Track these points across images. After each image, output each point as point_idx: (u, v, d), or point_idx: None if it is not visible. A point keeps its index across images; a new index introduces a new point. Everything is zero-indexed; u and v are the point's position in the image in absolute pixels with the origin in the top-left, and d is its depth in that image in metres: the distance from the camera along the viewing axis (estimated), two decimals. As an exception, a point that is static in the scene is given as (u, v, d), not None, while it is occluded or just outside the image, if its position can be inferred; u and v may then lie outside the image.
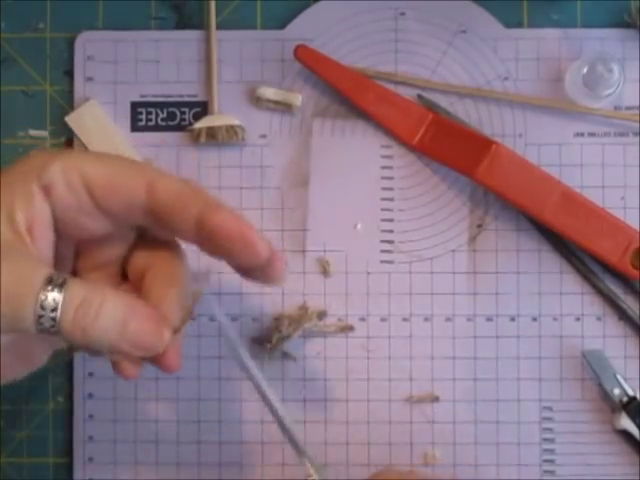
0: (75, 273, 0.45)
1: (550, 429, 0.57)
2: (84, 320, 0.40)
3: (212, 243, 0.42)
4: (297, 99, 0.58)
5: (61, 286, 0.39)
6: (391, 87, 0.58)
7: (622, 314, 0.57)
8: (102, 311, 0.40)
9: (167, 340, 0.42)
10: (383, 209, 0.58)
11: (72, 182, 0.42)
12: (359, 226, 0.58)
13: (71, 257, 0.45)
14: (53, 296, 0.39)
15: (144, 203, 0.42)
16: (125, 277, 0.46)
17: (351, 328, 0.58)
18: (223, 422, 0.57)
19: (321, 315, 0.58)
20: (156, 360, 0.43)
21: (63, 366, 0.58)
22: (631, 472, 0.57)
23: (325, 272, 0.58)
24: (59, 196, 0.42)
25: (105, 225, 0.43)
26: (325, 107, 0.59)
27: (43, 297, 0.39)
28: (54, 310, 0.39)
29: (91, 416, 0.58)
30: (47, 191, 0.42)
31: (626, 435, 0.56)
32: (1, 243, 0.40)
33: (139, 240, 0.46)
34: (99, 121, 0.58)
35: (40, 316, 0.39)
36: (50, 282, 0.39)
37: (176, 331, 0.43)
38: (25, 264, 0.40)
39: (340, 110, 0.59)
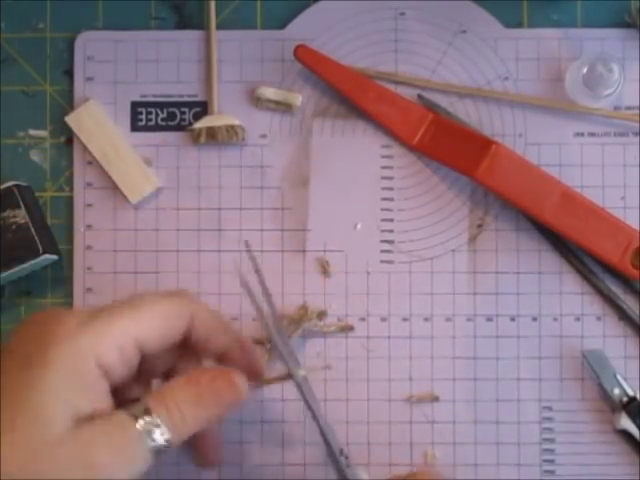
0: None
1: (550, 429, 0.57)
2: (183, 426, 0.43)
3: (226, 362, 0.48)
4: (297, 99, 0.58)
5: (148, 414, 0.42)
6: (391, 87, 0.58)
7: (622, 314, 0.57)
8: (185, 414, 0.43)
9: (244, 385, 0.46)
10: (383, 209, 0.58)
11: (127, 353, 0.43)
12: (359, 226, 0.58)
13: None
14: (153, 427, 0.42)
15: (186, 335, 0.46)
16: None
17: (351, 328, 0.58)
18: (223, 422, 0.57)
19: (321, 315, 0.58)
20: (200, 453, 0.51)
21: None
22: (631, 472, 0.57)
23: (325, 272, 0.58)
24: (117, 372, 0.43)
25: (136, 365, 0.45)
26: (325, 107, 0.59)
27: (147, 433, 0.42)
28: (163, 434, 0.42)
29: (91, 416, 0.58)
30: (105, 372, 0.43)
31: (626, 435, 0.56)
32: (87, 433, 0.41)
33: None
34: (99, 121, 0.58)
35: (157, 451, 0.42)
36: (143, 421, 0.42)
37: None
38: (115, 432, 0.42)
39: (340, 110, 0.59)
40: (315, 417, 0.48)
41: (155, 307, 0.45)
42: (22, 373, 0.41)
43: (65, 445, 0.40)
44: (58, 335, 0.42)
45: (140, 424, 0.42)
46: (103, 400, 0.43)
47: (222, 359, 0.49)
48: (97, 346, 0.42)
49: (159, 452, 0.42)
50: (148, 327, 0.44)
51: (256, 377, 0.49)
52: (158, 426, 0.42)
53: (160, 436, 0.42)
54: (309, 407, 0.48)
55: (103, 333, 0.43)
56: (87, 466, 0.41)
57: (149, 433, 0.42)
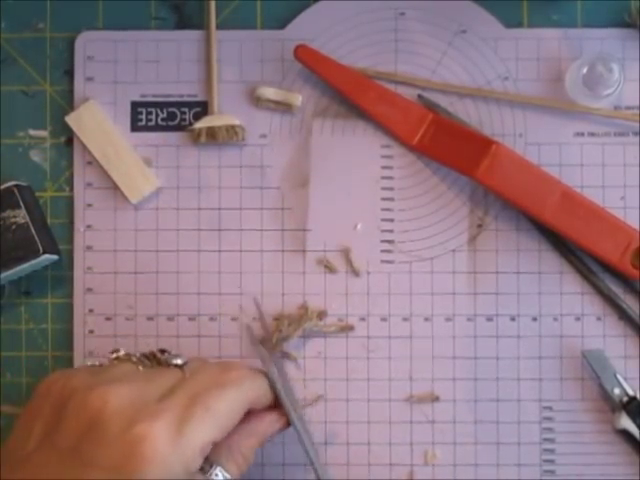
0: None
1: (550, 429, 0.57)
2: (246, 465, 0.50)
3: None
4: (297, 99, 0.58)
5: (211, 465, 0.49)
6: (391, 87, 0.58)
7: (622, 314, 0.57)
8: (247, 450, 0.51)
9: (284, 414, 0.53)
10: (383, 209, 0.58)
11: (206, 452, 0.47)
12: (359, 226, 0.58)
13: None
14: (219, 474, 0.49)
15: None
16: None
17: (351, 328, 0.58)
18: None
19: (321, 315, 0.58)
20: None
21: (63, 364, 0.58)
22: (631, 472, 0.57)
23: (331, 271, 0.58)
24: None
25: None
26: (325, 107, 0.59)
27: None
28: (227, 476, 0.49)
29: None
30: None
31: (626, 435, 0.56)
32: None
33: None
34: (99, 121, 0.58)
35: None
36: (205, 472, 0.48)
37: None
38: None
39: (340, 110, 0.59)
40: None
41: (229, 411, 0.48)
42: None
43: None
44: (151, 456, 0.44)
45: (207, 474, 0.48)
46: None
47: None
48: (186, 461, 0.46)
49: None
50: (224, 430, 0.48)
51: None
52: (223, 471, 0.49)
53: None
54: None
55: (191, 450, 0.46)
56: None
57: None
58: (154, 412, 0.45)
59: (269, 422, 0.52)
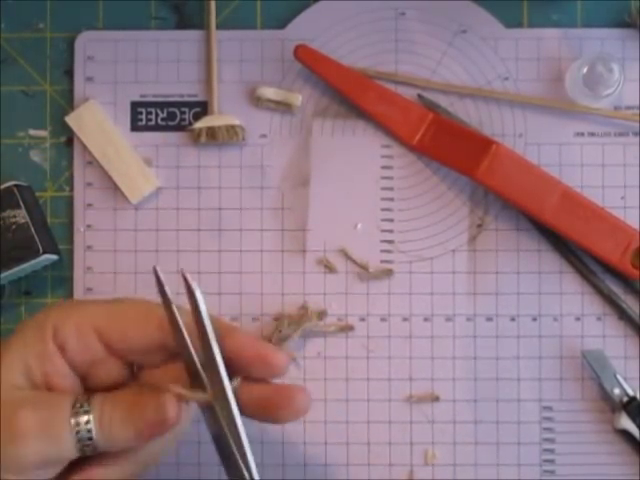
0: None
1: (550, 429, 0.57)
2: (109, 430, 0.43)
3: (230, 363, 0.44)
4: (297, 99, 0.58)
5: (88, 407, 0.43)
6: (391, 87, 0.58)
7: (622, 314, 0.57)
8: (114, 416, 0.43)
9: (174, 409, 0.43)
10: (383, 209, 0.58)
11: (86, 339, 0.44)
12: (359, 226, 0.58)
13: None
14: (85, 418, 0.43)
15: (159, 340, 0.44)
16: None
17: (351, 328, 0.58)
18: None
19: (321, 315, 0.58)
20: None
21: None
22: (631, 472, 0.57)
23: (331, 271, 0.58)
24: (73, 352, 0.44)
25: (122, 369, 0.46)
26: (325, 107, 0.59)
27: (74, 421, 0.42)
28: (89, 430, 0.43)
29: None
30: (62, 350, 0.44)
31: (626, 435, 0.56)
32: (22, 397, 0.43)
33: None
34: (99, 121, 0.58)
35: (79, 440, 0.42)
36: (77, 406, 0.43)
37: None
38: (48, 402, 0.43)
39: (340, 110, 0.59)
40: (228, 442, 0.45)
41: (119, 303, 0.45)
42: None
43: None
44: (33, 314, 0.45)
45: (74, 411, 0.43)
46: (58, 376, 0.44)
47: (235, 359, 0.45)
48: (56, 320, 0.44)
49: (82, 449, 0.43)
50: (108, 319, 0.44)
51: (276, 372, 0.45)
52: (88, 422, 0.43)
53: (85, 431, 0.43)
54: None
55: (65, 311, 0.44)
56: (8, 423, 0.42)
57: (78, 423, 0.42)
58: None
59: (142, 392, 0.44)
